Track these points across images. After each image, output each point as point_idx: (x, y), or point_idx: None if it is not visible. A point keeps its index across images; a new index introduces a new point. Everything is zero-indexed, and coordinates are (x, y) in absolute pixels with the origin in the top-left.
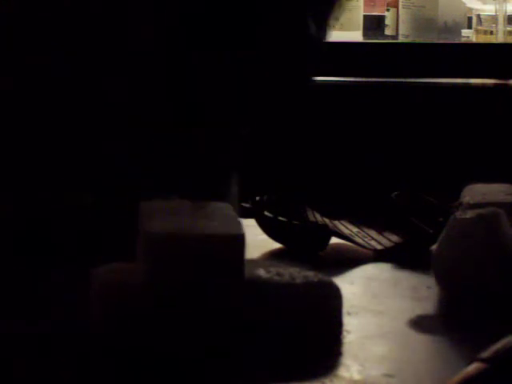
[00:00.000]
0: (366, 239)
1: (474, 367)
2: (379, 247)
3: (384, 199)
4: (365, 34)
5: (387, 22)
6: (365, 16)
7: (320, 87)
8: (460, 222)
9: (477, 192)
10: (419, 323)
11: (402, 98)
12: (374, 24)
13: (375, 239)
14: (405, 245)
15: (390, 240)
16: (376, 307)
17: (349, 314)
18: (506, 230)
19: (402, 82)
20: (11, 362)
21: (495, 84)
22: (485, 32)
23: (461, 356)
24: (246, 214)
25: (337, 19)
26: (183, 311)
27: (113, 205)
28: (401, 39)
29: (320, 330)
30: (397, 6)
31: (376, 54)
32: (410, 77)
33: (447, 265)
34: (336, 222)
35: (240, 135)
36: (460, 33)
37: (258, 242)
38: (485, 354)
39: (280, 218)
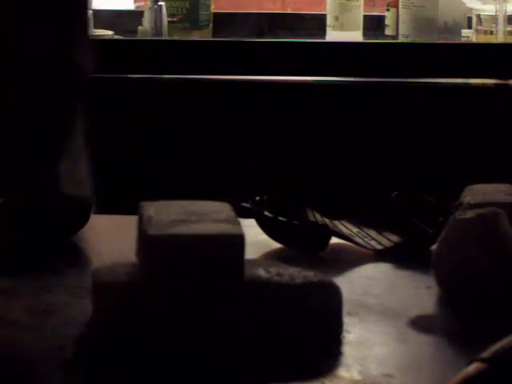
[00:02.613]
0: (366, 239)
1: (473, 367)
2: (379, 247)
3: (384, 199)
4: (365, 34)
5: (387, 22)
6: (365, 16)
7: (320, 87)
8: (460, 222)
9: (477, 192)
10: (419, 323)
11: (402, 98)
12: (374, 24)
13: (375, 239)
14: (405, 245)
15: (390, 240)
16: (376, 307)
17: (349, 314)
18: (506, 229)
19: (401, 82)
20: (11, 362)
21: (495, 84)
22: (485, 32)
23: (461, 356)
24: (246, 214)
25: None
26: (183, 311)
27: None
28: (401, 39)
29: (320, 330)
30: (397, 6)
31: (376, 53)
32: (410, 77)
33: (447, 265)
34: (336, 222)
35: None
36: (460, 33)
37: (257, 242)
38: (485, 354)
39: (280, 218)
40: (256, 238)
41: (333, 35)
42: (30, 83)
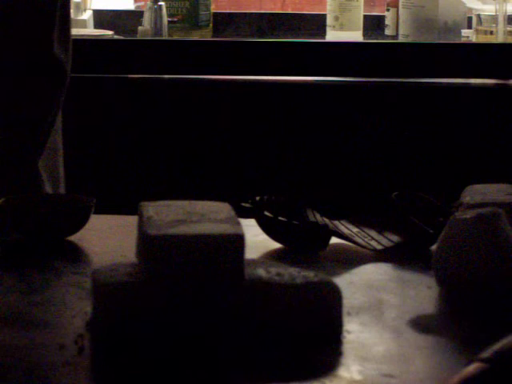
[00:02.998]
0: (366, 239)
1: (473, 367)
2: (379, 247)
3: (384, 199)
4: (365, 34)
5: (387, 22)
6: (365, 16)
7: (320, 87)
8: (460, 222)
9: (477, 192)
10: (419, 323)
11: (402, 98)
12: (374, 24)
13: (375, 239)
14: (405, 245)
15: (390, 240)
16: (376, 307)
17: (349, 314)
18: (506, 230)
19: (402, 82)
20: (11, 362)
21: (495, 84)
22: (485, 32)
23: (461, 356)
24: (246, 214)
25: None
26: (183, 311)
27: None
28: (401, 39)
29: (320, 330)
30: (397, 6)
31: (376, 53)
32: (410, 77)
33: (447, 265)
34: (336, 222)
35: None
36: (460, 33)
37: (257, 242)
38: (485, 354)
39: (280, 218)
40: (256, 238)
41: (333, 35)
42: (10, 80)
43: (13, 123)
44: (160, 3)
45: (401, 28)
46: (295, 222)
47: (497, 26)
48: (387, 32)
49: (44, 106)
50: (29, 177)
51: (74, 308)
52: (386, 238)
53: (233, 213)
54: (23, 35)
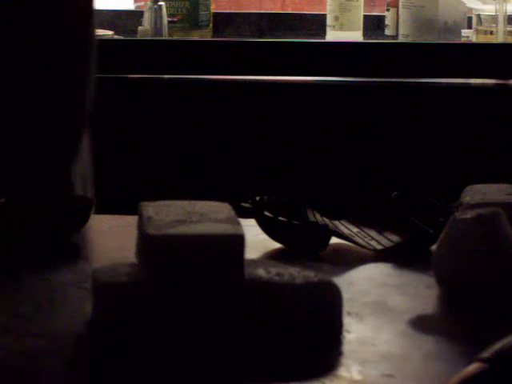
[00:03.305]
0: (366, 239)
1: (474, 367)
2: (379, 247)
3: (384, 199)
4: (365, 34)
5: (387, 22)
6: (365, 16)
7: (320, 87)
8: (460, 222)
9: (477, 192)
10: (419, 323)
11: (402, 98)
12: (374, 24)
13: (375, 239)
14: (405, 245)
15: (390, 240)
16: (376, 307)
17: (349, 314)
18: (506, 230)
19: (402, 82)
20: (11, 362)
21: (495, 84)
22: (485, 32)
23: (461, 356)
24: (246, 214)
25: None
26: (183, 311)
27: None
28: (401, 39)
29: (320, 330)
30: (397, 6)
31: (376, 53)
32: (410, 77)
33: (447, 265)
34: (336, 222)
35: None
36: (460, 33)
37: (257, 242)
38: (485, 354)
39: (280, 218)
40: (256, 238)
41: (333, 35)
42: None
43: (46, 127)
44: (160, 3)
45: (401, 28)
46: (295, 222)
47: (497, 26)
48: (387, 32)
49: (80, 110)
50: (61, 184)
51: (74, 308)
52: (386, 237)
53: (233, 213)
54: (67, 32)
